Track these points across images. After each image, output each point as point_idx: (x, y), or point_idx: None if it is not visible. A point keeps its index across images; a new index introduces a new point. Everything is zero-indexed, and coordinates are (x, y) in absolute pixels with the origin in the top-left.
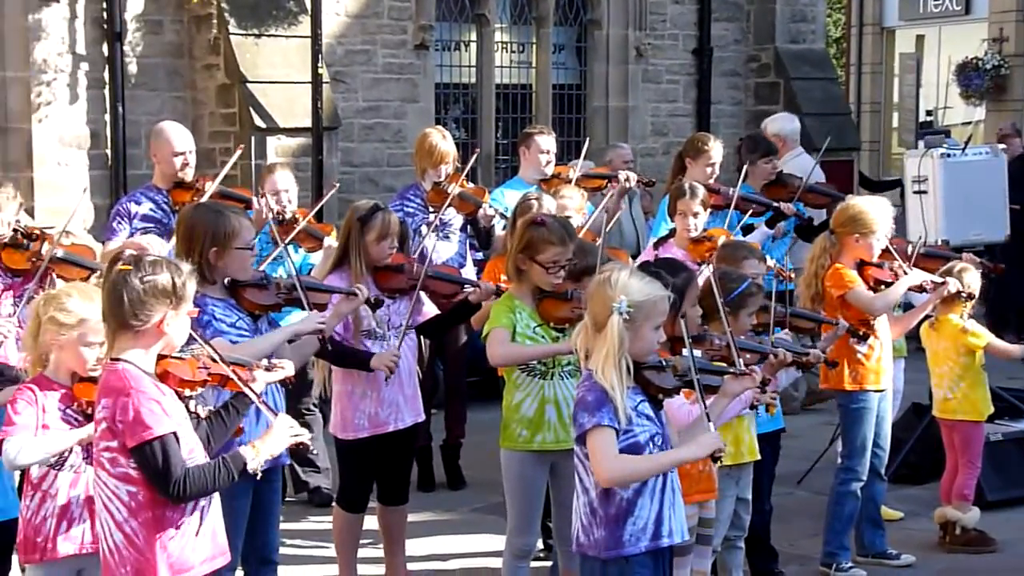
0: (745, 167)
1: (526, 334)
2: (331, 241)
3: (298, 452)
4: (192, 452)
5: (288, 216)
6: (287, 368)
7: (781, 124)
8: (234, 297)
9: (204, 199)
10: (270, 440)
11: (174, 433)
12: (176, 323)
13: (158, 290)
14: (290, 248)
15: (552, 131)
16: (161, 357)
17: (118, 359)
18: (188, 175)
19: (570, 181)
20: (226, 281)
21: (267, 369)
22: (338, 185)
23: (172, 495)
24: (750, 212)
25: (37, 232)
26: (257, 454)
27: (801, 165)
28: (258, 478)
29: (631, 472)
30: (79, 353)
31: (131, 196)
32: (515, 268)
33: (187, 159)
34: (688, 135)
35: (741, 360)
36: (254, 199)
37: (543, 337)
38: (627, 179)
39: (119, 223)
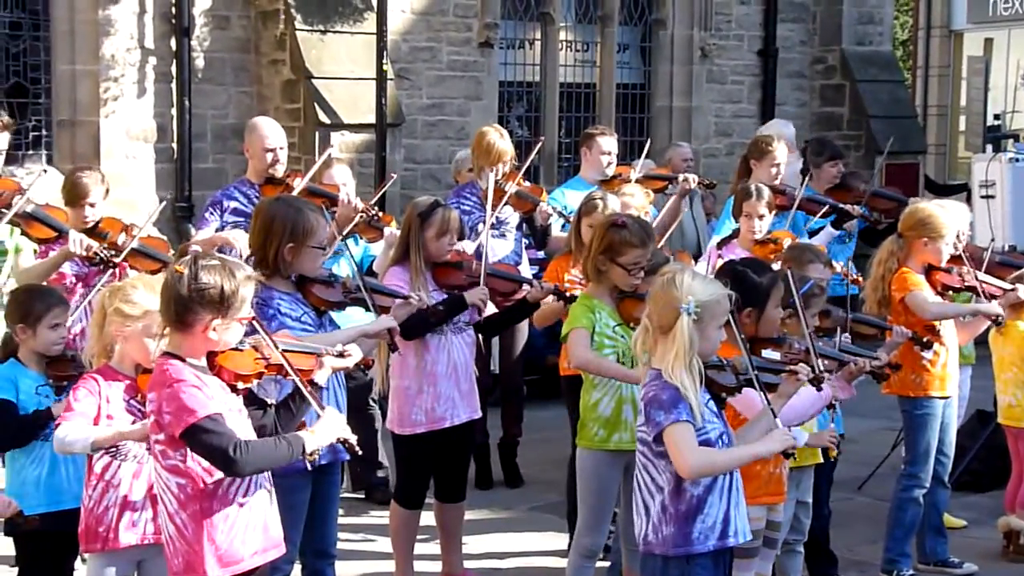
0: (810, 171)
1: (605, 333)
2: (392, 231)
3: (356, 448)
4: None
5: (374, 213)
6: (356, 354)
7: (775, 131)
8: (301, 292)
9: (294, 194)
10: (321, 429)
11: (219, 414)
12: (224, 329)
13: (205, 298)
14: (350, 241)
15: (614, 132)
16: (219, 352)
17: (168, 354)
18: (279, 171)
19: (630, 181)
20: (294, 276)
21: (339, 355)
22: (395, 176)
23: (234, 466)
24: (818, 214)
25: (120, 224)
26: (313, 438)
27: (792, 173)
28: (310, 468)
29: (713, 464)
30: (143, 344)
31: (225, 189)
32: (595, 269)
33: (278, 155)
34: (752, 137)
35: (821, 363)
36: (342, 194)
37: (623, 336)
38: (687, 181)
39: (211, 213)
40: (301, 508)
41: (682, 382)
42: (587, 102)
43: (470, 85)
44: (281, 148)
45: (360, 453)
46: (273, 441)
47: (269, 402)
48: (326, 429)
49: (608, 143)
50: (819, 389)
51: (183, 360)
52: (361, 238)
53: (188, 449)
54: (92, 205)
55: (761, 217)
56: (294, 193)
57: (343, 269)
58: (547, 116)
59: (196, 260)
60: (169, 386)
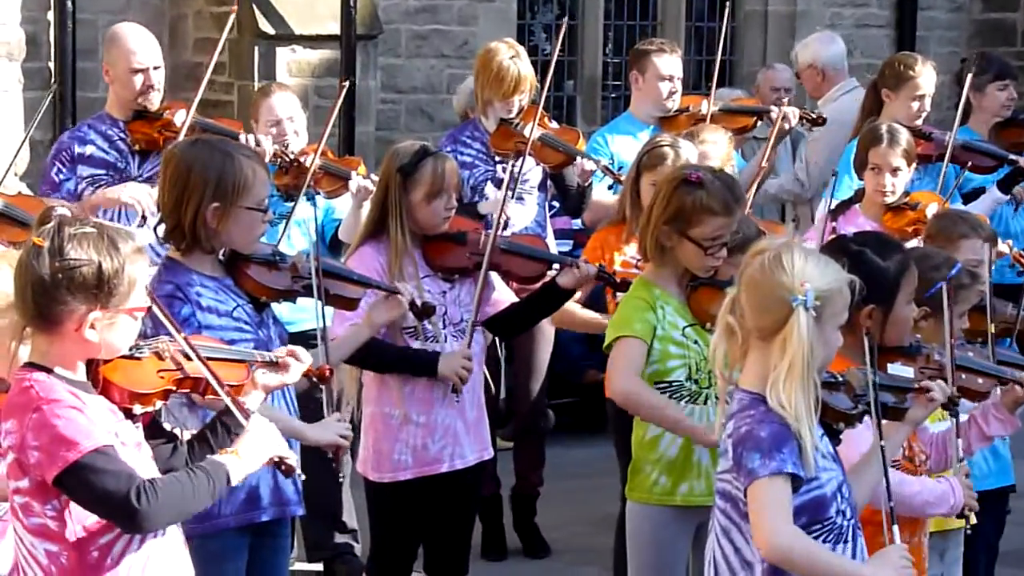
0: (965, 95)
1: (671, 337)
2: (360, 181)
3: (315, 503)
4: None
5: (292, 156)
6: (302, 359)
7: (815, 50)
8: (233, 276)
9: (181, 136)
10: (248, 447)
11: (109, 446)
12: (106, 326)
13: (75, 281)
14: (303, 201)
15: (678, 48)
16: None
17: (30, 365)
18: (153, 101)
19: (703, 118)
20: (223, 253)
21: (273, 365)
22: (348, 84)
23: (137, 518)
24: (972, 167)
25: None
26: (240, 462)
27: (842, 109)
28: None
29: (806, 559)
30: (4, 349)
31: (75, 132)
32: (657, 245)
33: (150, 78)
34: (885, 55)
35: (956, 391)
36: (243, 135)
37: (696, 342)
38: (784, 116)
39: (60, 169)
40: None
41: (795, 411)
42: (644, 4)
43: None
44: (156, 68)
45: (297, 474)
46: (186, 475)
47: (180, 433)
48: (255, 446)
49: (670, 64)
50: (953, 415)
51: (50, 372)
52: (319, 192)
53: (63, 500)
54: None
55: (895, 171)
56: (182, 134)
57: (296, 241)
58: (587, 25)
59: (61, 227)
60: (35, 410)
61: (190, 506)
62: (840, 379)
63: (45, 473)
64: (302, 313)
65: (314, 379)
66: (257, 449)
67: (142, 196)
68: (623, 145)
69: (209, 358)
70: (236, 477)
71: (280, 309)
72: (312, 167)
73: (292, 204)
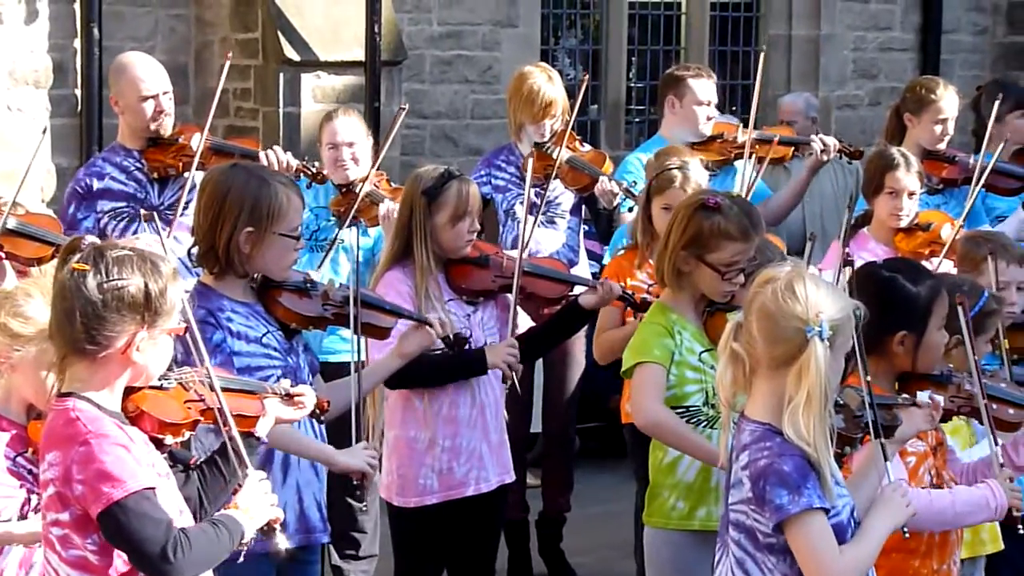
0: (990, 125)
1: (687, 362)
2: (390, 206)
3: (340, 528)
4: (181, 517)
5: (315, 170)
6: (307, 400)
7: (790, 101)
8: (263, 302)
9: (196, 159)
10: (252, 502)
11: (153, 489)
12: (151, 349)
13: (125, 301)
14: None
15: (712, 73)
16: (133, 389)
17: (69, 394)
18: (166, 126)
19: (740, 147)
20: (255, 278)
21: (285, 397)
22: (406, 108)
23: (163, 569)
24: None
25: None
26: (251, 522)
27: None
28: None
29: (864, 563)
30: (38, 378)
31: (89, 168)
32: (674, 270)
33: (161, 104)
34: (909, 78)
35: (992, 421)
36: (262, 153)
37: (712, 367)
38: (825, 148)
39: (79, 207)
40: None
41: (814, 442)
42: (668, 29)
43: (500, 5)
44: (165, 93)
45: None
46: (213, 529)
47: (191, 460)
48: (258, 502)
49: (707, 89)
50: (943, 420)
51: (94, 403)
52: (363, 224)
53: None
54: None
55: (911, 195)
56: (197, 157)
57: (344, 268)
58: (610, 49)
59: (101, 251)
60: (82, 443)
61: (214, 561)
62: (840, 401)
63: (89, 507)
64: (343, 344)
65: (316, 410)
66: (261, 506)
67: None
68: None
69: (224, 389)
70: (248, 533)
71: (313, 338)
72: (360, 194)
73: (338, 230)
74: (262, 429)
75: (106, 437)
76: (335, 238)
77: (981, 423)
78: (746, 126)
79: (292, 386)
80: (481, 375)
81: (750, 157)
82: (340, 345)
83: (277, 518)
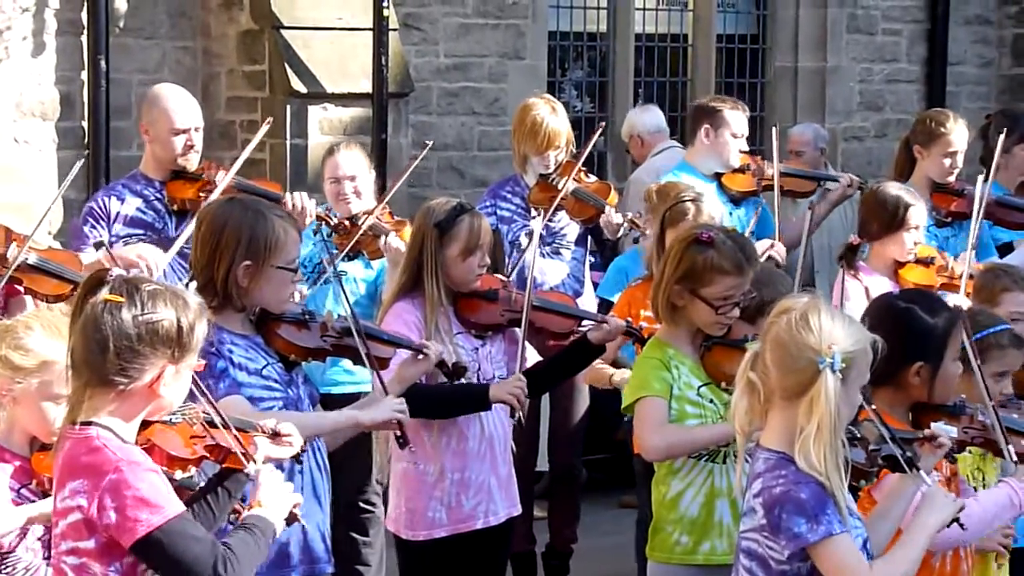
0: (996, 156)
1: (686, 397)
2: (394, 241)
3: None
4: None
5: (337, 220)
6: (296, 439)
7: (632, 122)
8: (263, 334)
9: (215, 195)
10: (270, 498)
11: (188, 511)
12: (174, 383)
13: (159, 335)
14: (357, 263)
15: (746, 107)
16: (145, 423)
17: (89, 423)
18: (192, 162)
19: (769, 179)
20: (253, 312)
21: (272, 436)
22: (431, 144)
23: None
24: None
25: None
26: (277, 514)
27: (650, 168)
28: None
29: (908, 568)
30: (41, 410)
31: (110, 190)
32: (668, 304)
33: (191, 139)
34: (915, 110)
35: (1011, 448)
36: (287, 196)
37: (711, 402)
38: (852, 183)
39: (92, 227)
40: None
41: (826, 472)
42: (675, 61)
43: (507, 37)
44: (197, 128)
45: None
46: (251, 537)
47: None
48: (276, 497)
49: (741, 122)
50: (952, 461)
51: (115, 432)
52: (366, 257)
53: (126, 563)
54: None
55: (917, 228)
56: (216, 192)
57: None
58: (617, 81)
59: (133, 284)
60: (115, 470)
61: (257, 565)
62: (858, 434)
63: (121, 536)
64: (345, 376)
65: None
66: (280, 499)
67: (151, 255)
68: None
69: (224, 425)
70: (279, 530)
71: (315, 370)
72: (363, 227)
73: (337, 263)
74: (253, 468)
75: (138, 464)
76: (335, 269)
77: (995, 454)
78: (762, 157)
79: (276, 424)
80: (484, 411)
81: (780, 190)
82: (343, 377)
83: (297, 503)
